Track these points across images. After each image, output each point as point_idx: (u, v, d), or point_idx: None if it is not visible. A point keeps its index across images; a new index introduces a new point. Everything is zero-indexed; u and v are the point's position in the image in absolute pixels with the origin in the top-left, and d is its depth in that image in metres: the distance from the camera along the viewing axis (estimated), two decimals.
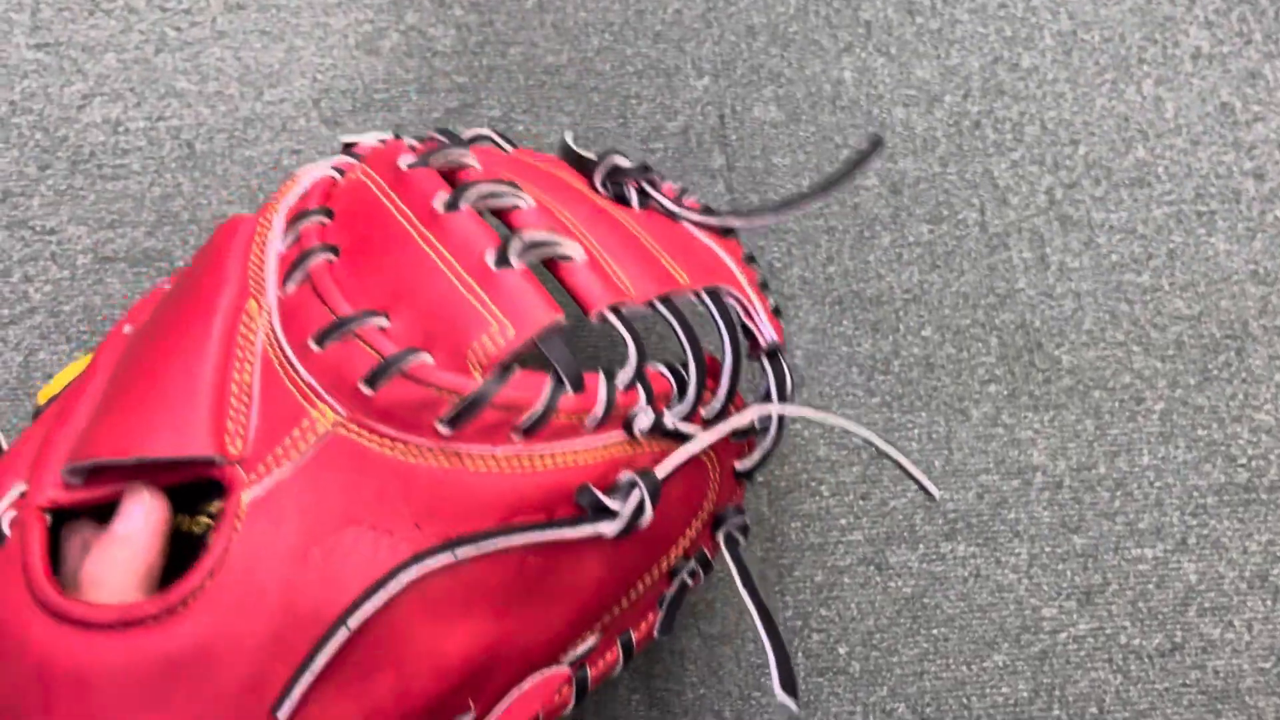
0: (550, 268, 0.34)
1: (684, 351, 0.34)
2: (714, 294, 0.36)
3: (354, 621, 0.30)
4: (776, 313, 0.39)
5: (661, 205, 0.38)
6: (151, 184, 0.52)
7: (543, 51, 0.55)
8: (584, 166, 0.40)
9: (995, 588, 0.48)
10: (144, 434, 0.31)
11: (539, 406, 0.31)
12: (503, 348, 0.30)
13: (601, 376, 0.32)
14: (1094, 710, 0.46)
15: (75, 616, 0.29)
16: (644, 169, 0.37)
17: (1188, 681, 0.47)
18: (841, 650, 0.47)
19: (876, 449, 0.35)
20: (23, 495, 0.33)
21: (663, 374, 0.34)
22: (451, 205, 0.33)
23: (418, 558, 0.30)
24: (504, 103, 0.55)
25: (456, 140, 0.38)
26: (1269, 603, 0.48)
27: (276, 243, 0.35)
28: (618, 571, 0.36)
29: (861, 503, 0.49)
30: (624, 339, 0.33)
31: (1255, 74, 0.57)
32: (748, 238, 0.44)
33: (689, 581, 0.38)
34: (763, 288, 0.39)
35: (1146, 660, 0.47)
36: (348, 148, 0.39)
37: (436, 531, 0.31)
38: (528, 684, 0.36)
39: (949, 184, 0.55)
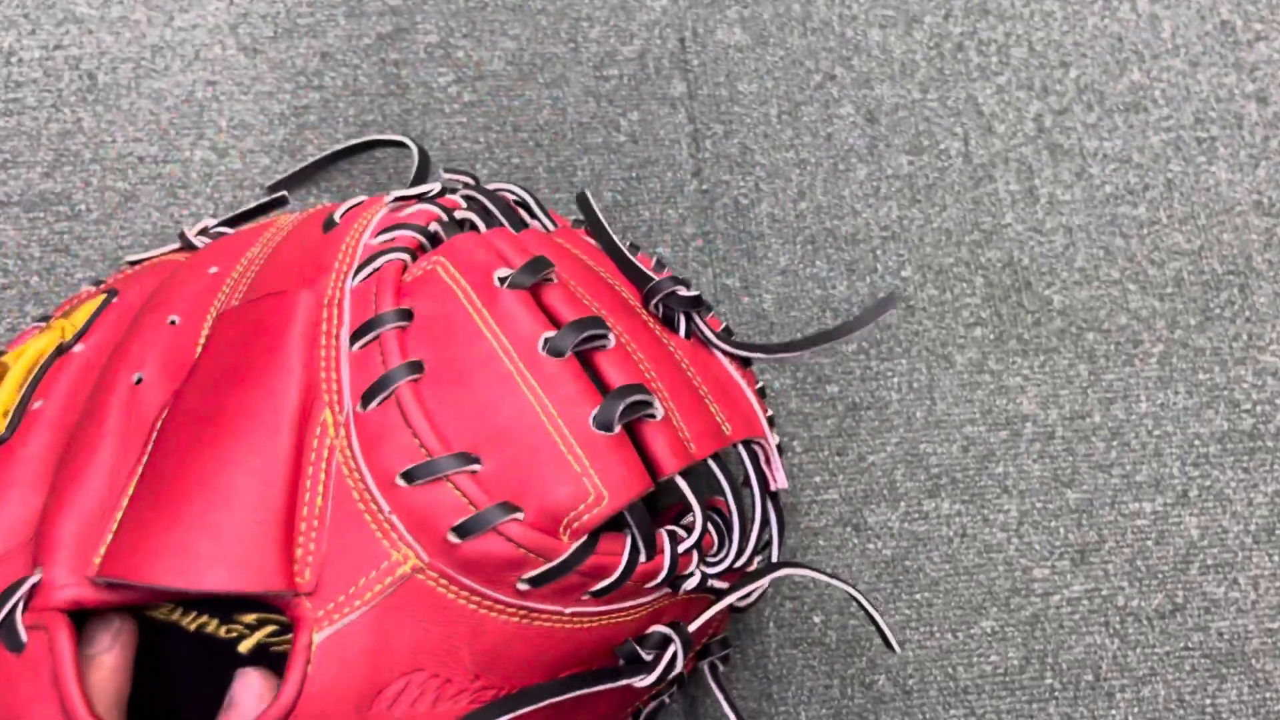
0: (634, 424, 0.31)
1: (728, 511, 0.33)
2: (747, 444, 0.35)
3: None
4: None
5: (703, 335, 0.35)
6: (48, 120, 0.47)
7: None
8: (629, 270, 0.36)
9: (982, 548, 0.44)
10: (204, 561, 0.27)
11: (615, 575, 0.30)
12: (596, 516, 0.29)
13: (667, 541, 0.31)
14: (1090, 677, 0.43)
15: None
16: (697, 300, 0.35)
17: (1190, 644, 0.43)
18: (816, 619, 0.43)
19: (858, 604, 0.34)
20: (35, 586, 0.29)
21: (710, 532, 0.33)
22: (556, 352, 0.30)
23: (491, 710, 0.29)
24: (441, 27, 0.50)
25: (497, 203, 0.35)
26: (1276, 558, 0.45)
27: (346, 339, 0.30)
28: (624, 700, 0.35)
29: (837, 459, 0.45)
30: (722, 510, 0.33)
31: None
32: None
33: (666, 700, 0.38)
34: (769, 423, 0.37)
35: (1145, 622, 0.44)
36: (418, 197, 0.35)
37: (492, 682, 0.30)
38: None
39: (929, 112, 0.50)
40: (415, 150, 0.44)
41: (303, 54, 0.49)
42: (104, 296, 0.38)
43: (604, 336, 0.31)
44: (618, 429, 0.29)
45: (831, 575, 0.33)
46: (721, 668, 0.38)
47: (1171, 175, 0.50)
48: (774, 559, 0.35)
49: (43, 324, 0.41)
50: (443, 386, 0.29)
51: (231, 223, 0.42)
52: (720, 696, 0.37)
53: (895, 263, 0.48)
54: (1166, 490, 0.45)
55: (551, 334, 0.30)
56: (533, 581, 0.29)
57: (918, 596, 0.44)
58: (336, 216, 0.35)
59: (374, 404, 0.29)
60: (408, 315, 0.31)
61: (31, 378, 0.35)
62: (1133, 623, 0.44)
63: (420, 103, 0.49)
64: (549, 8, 0.51)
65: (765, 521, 0.35)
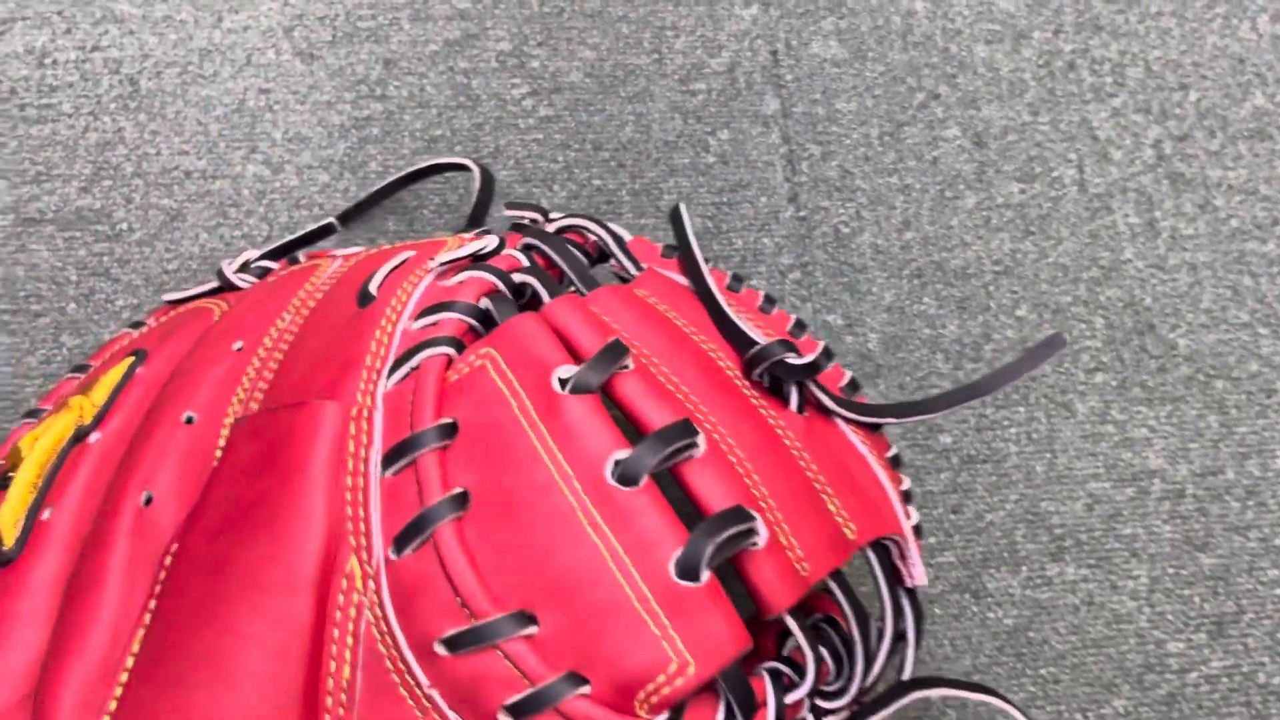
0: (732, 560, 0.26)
1: (847, 627, 0.28)
2: (878, 545, 0.29)
3: None
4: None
5: (821, 405, 0.30)
6: (86, 129, 0.43)
7: None
8: (726, 330, 0.30)
9: (1111, 618, 0.40)
10: None
11: None
12: (680, 689, 0.23)
13: (770, 690, 0.26)
14: None
15: None
16: (813, 368, 0.28)
17: None
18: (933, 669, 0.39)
19: None
20: None
21: (826, 661, 0.28)
22: (631, 479, 0.24)
23: None
24: (514, 34, 0.46)
25: (565, 255, 0.29)
26: None
27: (377, 466, 0.25)
28: None
29: (953, 517, 0.41)
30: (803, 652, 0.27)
31: None
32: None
33: None
34: (905, 499, 0.31)
35: None
36: (476, 258, 0.29)
37: None
38: None
39: (1041, 135, 0.47)
40: (478, 175, 0.39)
41: (364, 61, 0.45)
42: (130, 361, 0.33)
43: (693, 445, 0.26)
44: (706, 575, 0.24)
45: (988, 691, 0.29)
46: None
47: None
48: (906, 675, 0.31)
49: (79, 375, 0.36)
50: (492, 524, 0.24)
51: (274, 255, 0.38)
52: None
53: (1009, 301, 0.44)
54: None
55: (624, 454, 0.24)
56: None
57: (1043, 671, 0.40)
58: (373, 287, 0.30)
59: (409, 549, 0.24)
60: (451, 431, 0.25)
61: (46, 475, 0.31)
62: (1275, 702, 0.40)
63: (492, 116, 0.45)
64: (630, 15, 0.47)
65: (897, 630, 0.31)
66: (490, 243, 0.29)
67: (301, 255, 0.37)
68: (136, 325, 0.37)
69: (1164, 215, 0.46)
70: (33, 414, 0.36)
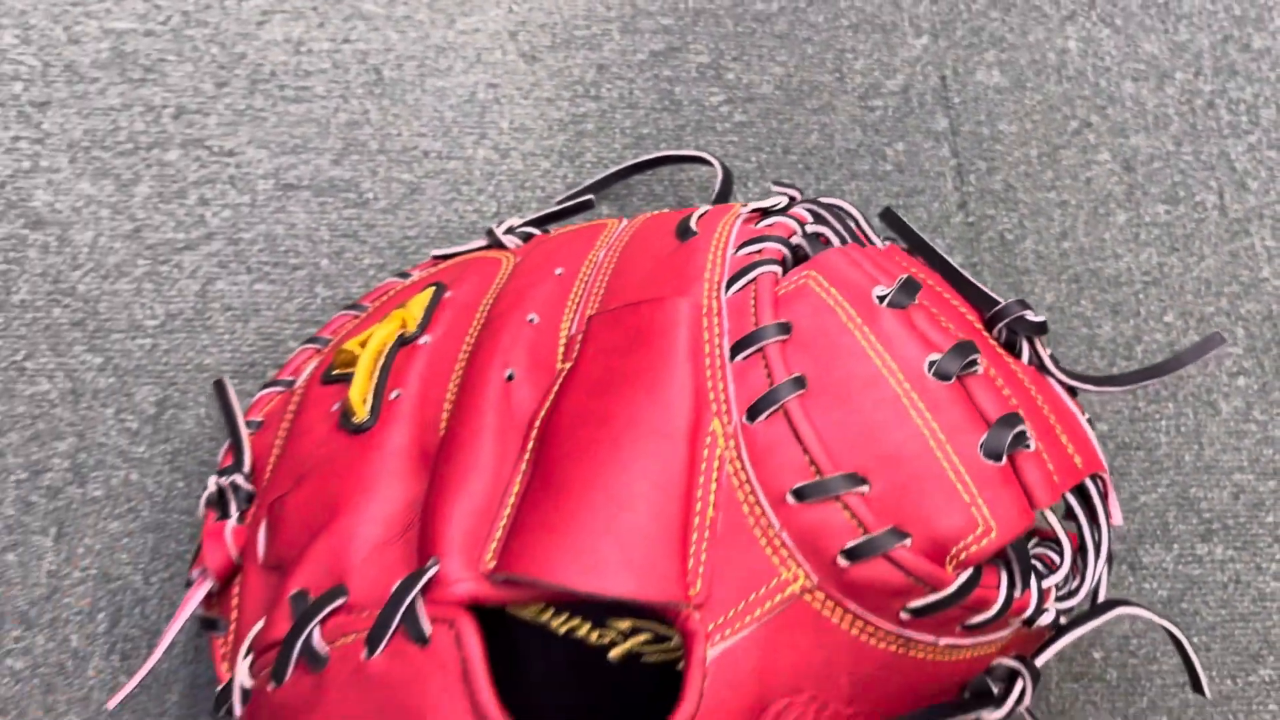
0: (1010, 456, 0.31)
1: (1086, 547, 0.33)
2: (1096, 477, 0.34)
3: None
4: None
5: (1043, 363, 0.35)
6: (337, 110, 0.48)
7: None
8: (970, 292, 0.35)
9: (1257, 595, 0.44)
10: (610, 566, 0.27)
11: (995, 609, 0.29)
12: (984, 549, 0.28)
13: (1035, 579, 0.30)
14: None
15: None
16: (1043, 326, 0.34)
17: None
18: (1096, 656, 0.43)
19: (1178, 644, 0.34)
20: (430, 581, 0.29)
21: (1062, 563, 0.32)
22: (943, 374, 0.30)
23: None
24: (711, 48, 0.51)
25: (840, 218, 0.35)
26: None
27: (728, 350, 0.30)
28: None
29: None
30: (1058, 539, 0.32)
31: None
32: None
33: None
34: None
35: None
36: (764, 212, 0.35)
37: (862, 709, 0.29)
38: None
39: (1184, 164, 0.51)
40: (719, 168, 0.44)
41: (580, 64, 0.50)
42: (435, 289, 0.38)
43: (976, 363, 0.31)
44: (1004, 460, 0.29)
45: (1161, 616, 0.33)
46: (1028, 700, 0.38)
47: None
48: (1101, 597, 0.35)
49: (353, 312, 0.41)
50: (827, 403, 0.29)
51: (538, 223, 0.43)
52: (1028, 718, 0.36)
53: (1158, 308, 0.48)
54: None
55: (937, 356, 0.30)
56: (917, 611, 0.28)
57: (1195, 640, 0.43)
58: (693, 224, 0.35)
59: (761, 418, 0.29)
60: (787, 329, 0.30)
61: (380, 365, 0.36)
62: None
63: (693, 119, 0.50)
64: (814, 38, 0.52)
65: (1110, 552, 0.35)
66: (783, 201, 0.34)
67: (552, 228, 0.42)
68: (403, 275, 0.42)
69: None
70: (314, 340, 0.40)
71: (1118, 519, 0.35)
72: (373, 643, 0.28)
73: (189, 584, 0.34)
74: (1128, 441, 0.46)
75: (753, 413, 0.29)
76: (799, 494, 0.28)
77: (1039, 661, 0.32)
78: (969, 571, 0.28)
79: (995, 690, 0.31)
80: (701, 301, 0.31)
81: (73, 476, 0.41)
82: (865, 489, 0.28)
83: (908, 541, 0.28)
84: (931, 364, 0.30)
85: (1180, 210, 0.51)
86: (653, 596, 0.27)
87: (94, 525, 0.41)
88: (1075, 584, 0.33)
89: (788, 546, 0.28)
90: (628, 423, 0.29)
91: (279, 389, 0.39)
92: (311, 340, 0.40)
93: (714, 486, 0.29)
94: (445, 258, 0.42)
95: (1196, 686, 0.34)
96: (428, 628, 0.28)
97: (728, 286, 0.32)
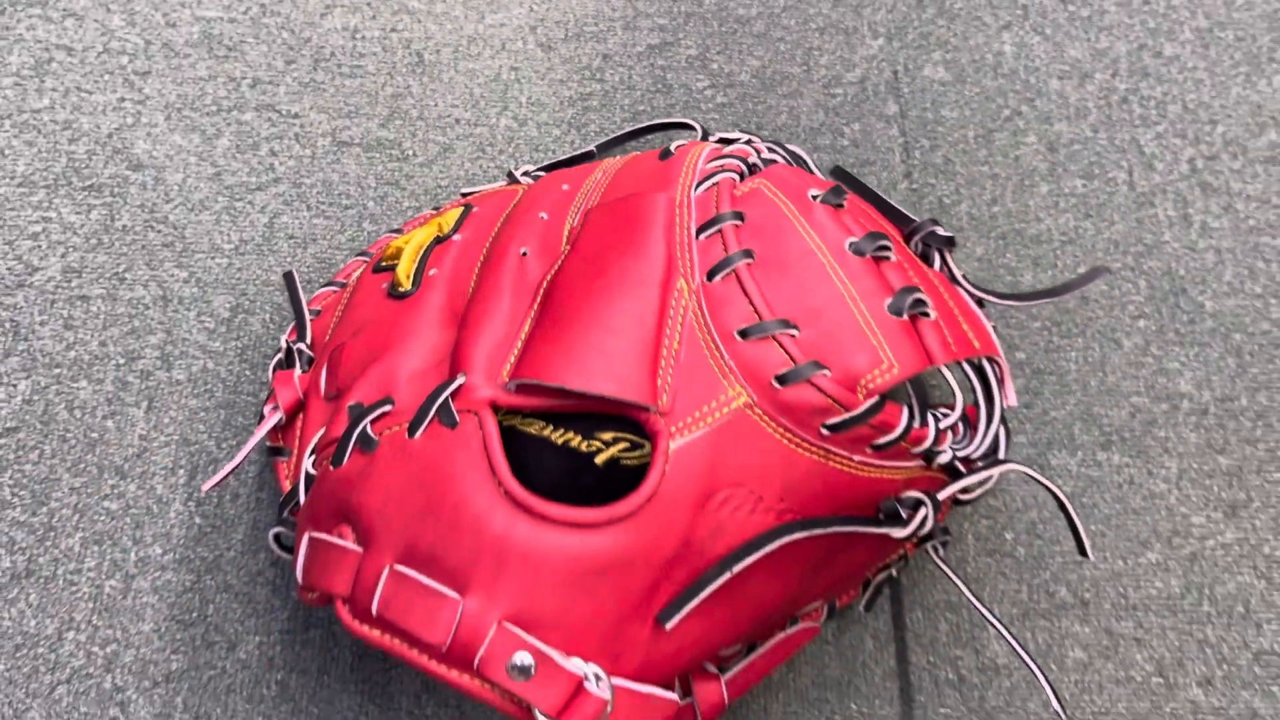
0: (912, 319, 0.40)
1: (979, 406, 0.42)
2: (990, 358, 0.43)
3: (739, 566, 0.36)
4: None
5: (950, 270, 0.44)
6: (384, 84, 0.58)
7: (734, 4, 0.62)
8: (893, 213, 0.45)
9: (1147, 495, 0.52)
10: (597, 372, 0.37)
11: (897, 432, 0.38)
12: (887, 381, 0.37)
13: (932, 418, 0.39)
14: (1241, 609, 0.50)
15: (535, 510, 0.35)
16: (952, 240, 0.44)
17: None
18: (1008, 536, 0.51)
19: (1061, 506, 0.42)
20: (459, 387, 0.38)
21: (958, 424, 0.41)
22: (859, 251, 0.39)
23: (790, 528, 0.37)
24: (699, 44, 0.61)
25: (788, 153, 0.45)
26: None
27: (694, 231, 0.40)
28: (869, 560, 0.44)
29: (1025, 411, 0.53)
30: (950, 389, 0.41)
31: None
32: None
33: (894, 572, 0.46)
34: None
35: None
36: (723, 142, 0.45)
37: (791, 506, 0.37)
38: (794, 629, 0.44)
39: (1100, 147, 0.61)
40: (700, 130, 0.54)
41: (588, 54, 0.60)
42: (464, 208, 0.48)
43: (889, 250, 0.40)
44: (906, 316, 0.38)
45: (1042, 478, 0.41)
46: (941, 550, 0.46)
47: None
48: (1002, 454, 0.44)
49: (395, 233, 0.50)
50: (769, 271, 0.39)
51: (548, 169, 0.52)
52: (949, 574, 0.45)
53: (1072, 262, 0.57)
54: None
55: (855, 239, 0.40)
56: (834, 427, 0.37)
57: (1093, 527, 0.51)
58: (672, 148, 0.45)
59: (718, 278, 0.38)
60: (741, 217, 0.40)
61: (421, 254, 0.45)
62: (1277, 570, 0.51)
63: (682, 100, 0.59)
64: (786, 37, 0.62)
65: (1003, 418, 0.43)
66: (744, 136, 0.44)
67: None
68: (436, 209, 0.51)
69: (1195, 213, 0.59)
70: (363, 254, 0.50)
71: (1011, 399, 0.44)
72: (414, 427, 0.37)
73: (261, 419, 0.43)
74: (1042, 368, 0.55)
75: (711, 274, 0.38)
76: (744, 333, 0.37)
77: (941, 496, 0.41)
78: (875, 399, 0.37)
79: (903, 515, 0.40)
80: (676, 196, 0.41)
81: (161, 363, 0.50)
82: (795, 333, 0.37)
83: (827, 372, 0.37)
84: (851, 244, 0.39)
85: (1095, 185, 0.60)
86: (629, 396, 0.36)
87: (177, 402, 0.50)
88: (972, 442, 0.41)
89: (734, 372, 0.37)
90: (615, 277, 0.38)
91: (334, 288, 0.48)
92: (361, 254, 0.50)
93: (679, 327, 0.38)
94: (471, 193, 0.51)
95: (1081, 550, 0.43)
96: (457, 417, 0.37)
97: (696, 188, 0.41)
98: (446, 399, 0.37)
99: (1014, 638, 0.41)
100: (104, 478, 0.48)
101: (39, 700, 0.44)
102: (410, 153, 0.57)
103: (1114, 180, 0.60)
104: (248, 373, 0.51)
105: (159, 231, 0.53)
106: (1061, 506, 0.43)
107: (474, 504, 0.35)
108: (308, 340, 0.45)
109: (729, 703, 0.41)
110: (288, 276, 0.47)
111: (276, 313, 0.52)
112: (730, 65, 0.61)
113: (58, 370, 0.49)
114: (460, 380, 0.38)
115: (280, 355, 0.45)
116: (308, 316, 0.46)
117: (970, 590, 0.48)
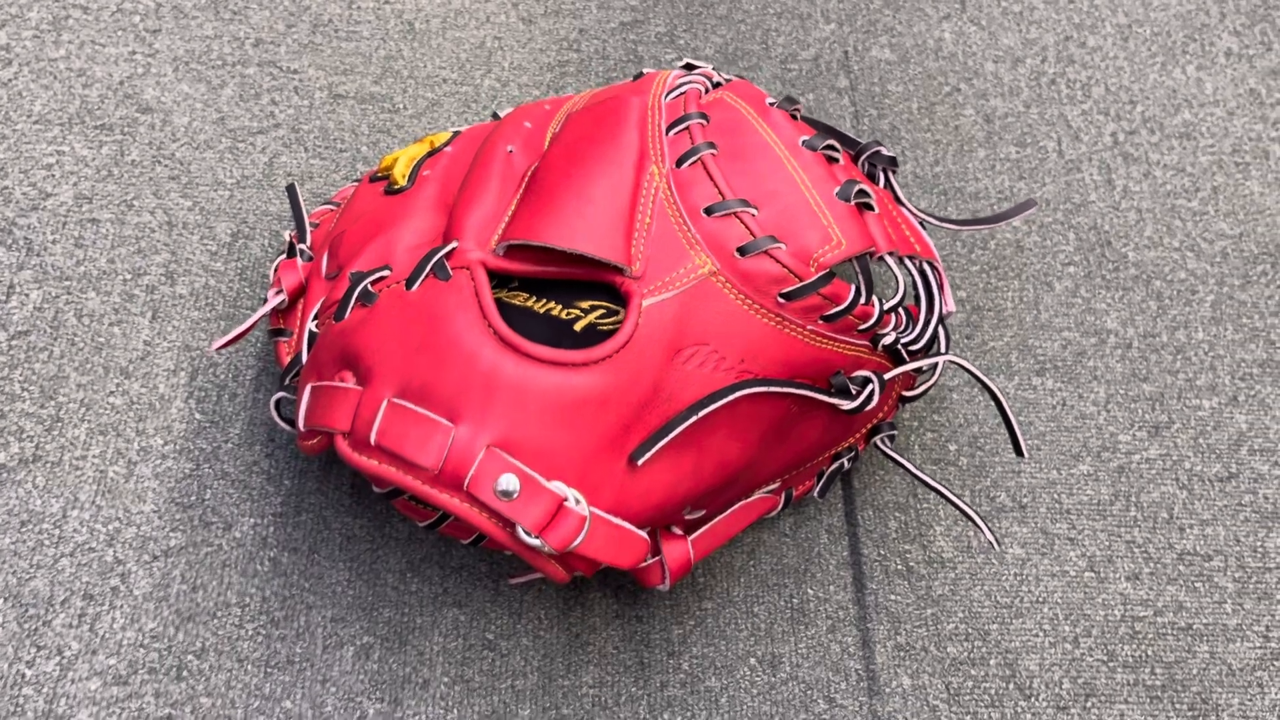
0: (858, 208, 0.45)
1: (919, 298, 0.46)
2: (930, 263, 0.48)
3: (703, 412, 0.40)
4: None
5: (894, 190, 0.49)
6: (378, 47, 0.63)
7: None
8: (841, 136, 0.50)
9: (1079, 415, 0.57)
10: (579, 233, 0.41)
11: (845, 304, 0.43)
12: (836, 256, 0.42)
13: (876, 298, 0.44)
14: (1165, 515, 0.54)
15: (521, 349, 0.39)
16: (893, 160, 0.49)
17: (1242, 503, 0.55)
18: (951, 448, 0.55)
19: (999, 406, 0.47)
20: (452, 250, 0.42)
21: (901, 314, 0.46)
22: (810, 146, 0.45)
23: (749, 383, 0.41)
24: (668, 22, 0.67)
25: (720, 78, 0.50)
26: None
27: (664, 128, 0.45)
28: (824, 438, 0.48)
29: (966, 341, 0.58)
30: (895, 276, 0.46)
31: (1276, 72, 0.71)
32: None
33: (845, 464, 0.51)
34: None
35: (1207, 483, 0.56)
36: (688, 68, 0.50)
37: (750, 369, 0.42)
38: (753, 498, 0.48)
39: (1031, 121, 0.67)
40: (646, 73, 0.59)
41: (565, 27, 0.66)
42: (453, 132, 0.52)
43: (838, 151, 0.45)
44: (852, 203, 0.43)
45: (978, 373, 0.46)
46: (889, 443, 0.50)
47: (1217, 184, 0.66)
48: (944, 349, 0.48)
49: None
50: (732, 160, 0.44)
51: None
52: (895, 457, 0.49)
53: None
54: (1220, 394, 0.58)
55: (807, 136, 0.45)
56: (788, 295, 0.42)
57: (1030, 442, 0.56)
58: (644, 70, 0.50)
59: (685, 165, 0.43)
60: (706, 118, 0.45)
61: (415, 162, 0.49)
62: (1198, 482, 0.56)
63: None
64: (746, 20, 0.68)
65: (942, 313, 0.48)
66: (704, 66, 0.49)
67: None
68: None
69: (1118, 179, 0.65)
70: (355, 182, 0.54)
71: (950, 305, 0.48)
72: (410, 281, 0.41)
73: (264, 301, 0.46)
74: (982, 305, 0.60)
75: (680, 161, 0.43)
76: (708, 210, 0.42)
77: (886, 377, 0.45)
78: (825, 271, 0.42)
79: (852, 390, 0.44)
80: (648, 100, 0.46)
81: (166, 280, 0.54)
82: (754, 212, 0.42)
83: (783, 246, 0.41)
84: (804, 141, 0.44)
85: (1027, 152, 0.66)
86: (607, 256, 0.40)
87: (180, 313, 0.53)
88: (913, 332, 0.46)
89: (700, 243, 0.42)
90: (594, 160, 0.43)
91: (330, 207, 0.52)
92: (354, 182, 0.54)
93: (651, 205, 0.42)
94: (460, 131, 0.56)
95: (1017, 449, 0.47)
96: (451, 272, 0.41)
97: (666, 96, 0.46)
98: (441, 258, 0.41)
99: (955, 496, 0.46)
100: (109, 377, 0.51)
101: (43, 571, 0.46)
102: (401, 106, 0.61)
103: (1044, 149, 0.66)
104: (247, 290, 0.54)
105: (166, 166, 0.57)
106: (998, 403, 0.47)
107: (466, 341, 0.39)
108: (308, 243, 0.49)
109: (694, 560, 0.45)
110: (290, 189, 0.51)
111: (274, 239, 0.56)
112: (696, 41, 0.67)
113: (67, 282, 0.53)
114: (453, 245, 0.42)
115: (283, 255, 0.48)
116: (307, 220, 0.50)
117: (919, 492, 0.52)
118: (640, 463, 0.40)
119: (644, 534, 0.41)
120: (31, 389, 0.50)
